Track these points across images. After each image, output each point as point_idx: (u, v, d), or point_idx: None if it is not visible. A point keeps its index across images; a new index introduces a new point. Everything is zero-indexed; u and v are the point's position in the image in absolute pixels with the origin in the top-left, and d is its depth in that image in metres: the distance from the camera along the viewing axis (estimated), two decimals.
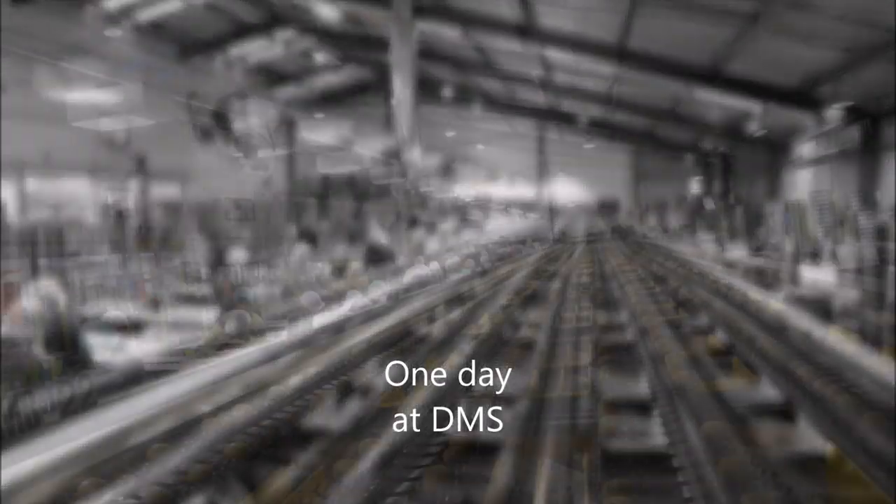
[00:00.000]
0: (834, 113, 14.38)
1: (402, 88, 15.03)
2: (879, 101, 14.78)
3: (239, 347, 5.10)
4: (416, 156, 11.61)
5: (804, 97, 15.33)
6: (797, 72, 14.59)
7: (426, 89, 20.03)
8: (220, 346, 5.21)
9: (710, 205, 23.58)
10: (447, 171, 15.53)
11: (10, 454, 2.91)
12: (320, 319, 6.30)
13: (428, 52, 22.02)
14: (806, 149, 20.98)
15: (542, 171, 35.41)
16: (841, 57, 12.67)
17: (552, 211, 28.72)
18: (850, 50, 12.12)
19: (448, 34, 20.50)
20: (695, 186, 30.14)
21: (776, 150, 22.61)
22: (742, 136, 23.03)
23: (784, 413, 4.14)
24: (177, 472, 2.89)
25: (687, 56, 15.13)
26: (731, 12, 11.96)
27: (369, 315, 6.71)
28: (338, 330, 6.07)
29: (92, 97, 14.94)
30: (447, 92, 27.35)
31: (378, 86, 26.86)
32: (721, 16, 12.20)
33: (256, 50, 24.42)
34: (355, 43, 23.69)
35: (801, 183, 20.58)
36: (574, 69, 21.52)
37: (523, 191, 34.50)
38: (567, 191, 35.21)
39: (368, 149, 10.42)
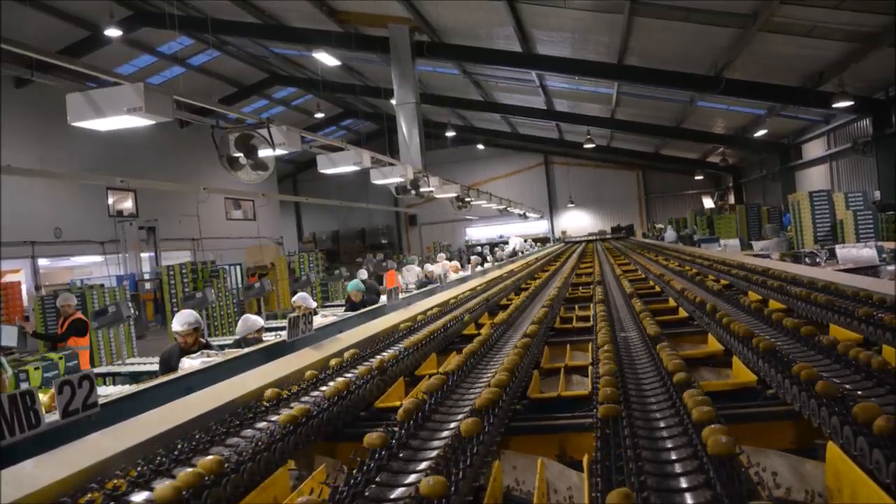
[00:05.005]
0: (842, 107, 14.21)
1: (408, 127, 15.00)
2: (888, 90, 14.69)
3: None
4: (433, 184, 11.54)
5: (810, 94, 15.21)
6: (800, 69, 14.54)
7: (429, 131, 20.15)
8: None
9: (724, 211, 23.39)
10: (462, 203, 15.42)
11: None
12: None
13: (428, 96, 22.27)
14: (816, 147, 20.85)
15: (551, 203, 35.38)
16: (844, 48, 12.60)
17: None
18: (852, 39, 12.06)
19: (448, 72, 20.80)
20: (708, 201, 29.97)
21: (787, 152, 22.48)
22: (750, 142, 22.97)
23: None
24: None
25: (687, 67, 15.13)
26: (729, 14, 11.99)
27: None
28: None
29: None
30: (450, 132, 27.57)
31: (381, 134, 27.12)
32: (718, 18, 12.23)
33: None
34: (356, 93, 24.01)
35: (816, 181, 20.36)
36: (576, 95, 21.66)
37: (534, 224, 34.35)
38: (578, 220, 35.06)
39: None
